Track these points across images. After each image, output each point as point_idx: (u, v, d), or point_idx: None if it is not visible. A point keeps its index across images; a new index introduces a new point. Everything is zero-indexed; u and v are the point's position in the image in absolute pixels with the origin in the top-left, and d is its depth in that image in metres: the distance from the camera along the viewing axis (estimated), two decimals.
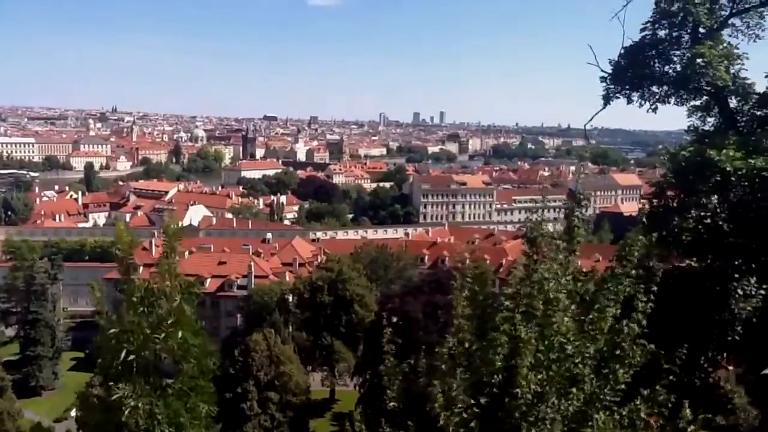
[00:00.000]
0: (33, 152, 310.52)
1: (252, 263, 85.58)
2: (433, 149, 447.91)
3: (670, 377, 9.08)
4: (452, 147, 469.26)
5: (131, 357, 8.87)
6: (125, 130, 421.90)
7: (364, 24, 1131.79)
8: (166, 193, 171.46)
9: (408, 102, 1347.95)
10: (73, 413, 56.89)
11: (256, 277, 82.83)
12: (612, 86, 18.56)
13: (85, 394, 7.86)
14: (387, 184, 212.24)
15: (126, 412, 8.64)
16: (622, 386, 8.95)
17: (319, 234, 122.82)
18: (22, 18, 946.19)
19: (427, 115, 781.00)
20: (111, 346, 9.05)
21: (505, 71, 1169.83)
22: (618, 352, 9.07)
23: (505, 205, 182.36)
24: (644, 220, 13.93)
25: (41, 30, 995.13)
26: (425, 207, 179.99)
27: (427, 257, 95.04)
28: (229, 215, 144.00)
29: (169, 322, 8.99)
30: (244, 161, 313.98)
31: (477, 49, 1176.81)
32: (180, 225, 10.48)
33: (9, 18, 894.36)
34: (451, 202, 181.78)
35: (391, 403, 9.83)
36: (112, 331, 9.07)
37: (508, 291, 9.18)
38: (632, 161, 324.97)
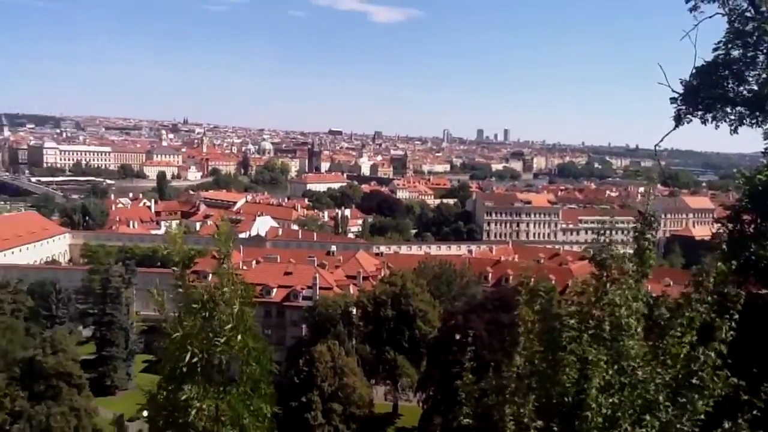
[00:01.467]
0: (109, 161, 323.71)
1: (317, 275, 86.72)
2: (496, 167, 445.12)
3: (754, 411, 8.62)
4: (516, 165, 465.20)
5: (195, 359, 9.13)
6: (196, 141, 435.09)
7: (427, 40, 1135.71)
8: (235, 203, 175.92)
9: (472, 119, 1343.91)
10: (145, 413, 58.67)
11: (320, 288, 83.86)
12: (683, 107, 18.31)
13: (153, 395, 8.23)
14: (450, 201, 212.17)
15: (192, 413, 8.89)
16: (701, 416, 8.61)
17: (382, 248, 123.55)
18: (102, 33, 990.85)
19: (491, 132, 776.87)
20: (175, 349, 9.31)
21: (572, 90, 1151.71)
22: (695, 380, 8.77)
23: (571, 225, 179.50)
24: (724, 246, 13.66)
25: (120, 44, 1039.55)
26: (488, 224, 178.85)
27: (490, 275, 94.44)
28: (295, 227, 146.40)
29: (229, 326, 9.21)
30: (309, 174, 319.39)
31: (543, 67, 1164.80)
32: (231, 229, 10.76)
33: (90, 33, 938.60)
34: (515, 220, 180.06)
35: (466, 420, 9.67)
36: (177, 335, 9.32)
37: (571, 309, 9.16)
38: (704, 184, 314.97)
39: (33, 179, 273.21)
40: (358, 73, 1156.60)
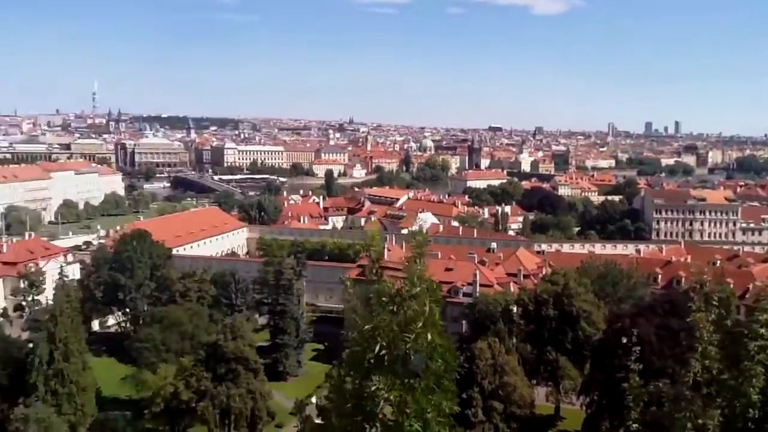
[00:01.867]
0: (282, 159, 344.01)
1: (477, 271, 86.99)
2: (667, 161, 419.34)
3: None
4: (689, 159, 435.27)
5: (383, 352, 9.39)
6: (360, 139, 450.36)
7: (589, 31, 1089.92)
8: (397, 199, 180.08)
9: (639, 111, 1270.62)
10: (314, 400, 61.95)
11: (481, 285, 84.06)
12: None
13: (337, 383, 8.90)
14: (616, 198, 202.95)
15: (379, 403, 9.17)
16: None
17: (543, 246, 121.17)
18: (277, 41, 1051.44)
19: (661, 125, 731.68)
20: (364, 341, 9.59)
21: (750, 76, 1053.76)
22: None
23: (752, 224, 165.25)
24: None
25: (290, 50, 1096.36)
26: (658, 223, 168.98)
27: (660, 277, 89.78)
28: (455, 223, 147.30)
29: (418, 323, 9.37)
30: (469, 171, 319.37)
31: (716, 54, 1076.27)
32: (426, 233, 11.35)
33: (265, 42, 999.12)
34: (688, 218, 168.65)
35: (634, 425, 9.47)
36: (367, 327, 9.57)
37: (763, 318, 8.69)
38: None
39: (215, 177, 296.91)
40: (518, 67, 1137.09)
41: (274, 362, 76.72)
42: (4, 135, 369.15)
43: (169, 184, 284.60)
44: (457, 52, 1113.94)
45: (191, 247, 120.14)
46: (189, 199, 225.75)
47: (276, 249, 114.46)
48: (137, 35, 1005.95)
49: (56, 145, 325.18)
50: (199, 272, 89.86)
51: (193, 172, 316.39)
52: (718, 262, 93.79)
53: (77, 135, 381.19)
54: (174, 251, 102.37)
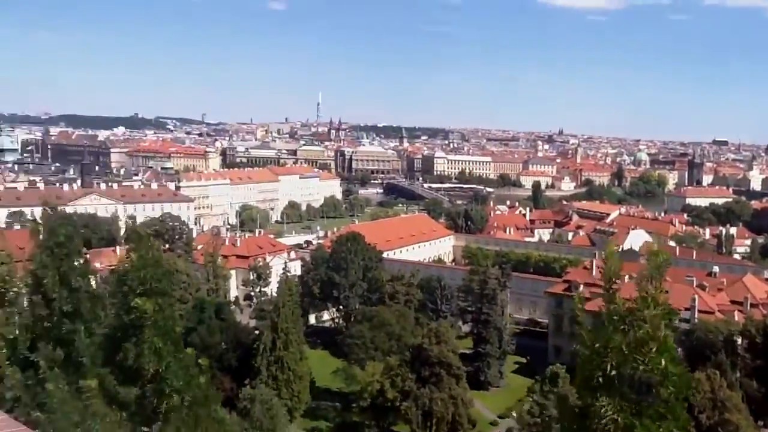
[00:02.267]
0: (489, 170, 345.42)
1: (696, 296, 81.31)
2: None
3: None
4: None
5: (613, 372, 9.25)
6: (570, 151, 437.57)
7: None
8: (608, 215, 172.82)
9: None
10: (514, 413, 61.75)
11: (699, 311, 78.42)
12: None
13: (565, 399, 9.14)
14: None
15: (606, 424, 9.08)
16: None
17: None
18: (481, 53, 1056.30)
19: None
20: (593, 359, 9.51)
21: None
22: None
23: None
24: None
25: (496, 63, 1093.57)
26: None
27: None
28: (672, 243, 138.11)
29: (651, 347, 9.16)
30: (689, 187, 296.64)
31: None
32: (667, 253, 11.04)
33: (473, 55, 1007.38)
34: None
35: None
36: (597, 345, 9.49)
37: None
38: None
39: (425, 185, 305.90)
40: (747, 73, 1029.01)
41: (476, 371, 76.90)
42: (241, 141, 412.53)
43: (381, 190, 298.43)
44: (678, 59, 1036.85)
45: (400, 251, 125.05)
46: (400, 205, 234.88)
47: (481, 258, 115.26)
48: (356, 50, 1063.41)
49: (284, 151, 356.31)
50: (407, 276, 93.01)
51: (404, 180, 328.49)
52: None
53: (302, 142, 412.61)
54: (384, 254, 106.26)
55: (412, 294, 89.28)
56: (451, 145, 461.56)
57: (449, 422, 60.08)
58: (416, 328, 76.50)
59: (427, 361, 62.22)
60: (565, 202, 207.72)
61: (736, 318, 75.26)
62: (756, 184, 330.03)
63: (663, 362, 9.17)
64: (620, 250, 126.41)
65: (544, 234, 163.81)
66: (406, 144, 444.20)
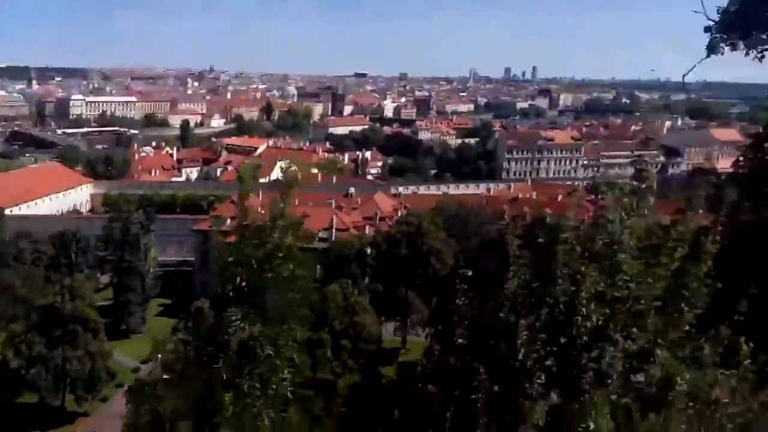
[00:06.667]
0: (134, 111, 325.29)
1: (334, 216, 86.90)
2: (522, 105, 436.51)
3: (735, 317, 9.28)
4: (542, 102, 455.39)
5: (243, 284, 9.88)
6: (221, 89, 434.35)
7: None
8: (256, 149, 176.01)
9: (499, 57, 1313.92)
10: (160, 356, 59.77)
11: (337, 230, 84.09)
12: (717, 36, 17.51)
13: (198, 317, 8.98)
14: (472, 141, 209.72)
15: (234, 332, 9.66)
16: (686, 327, 9.11)
17: (401, 189, 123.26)
18: None
19: (519, 70, 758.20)
20: (225, 274, 10.19)
21: (601, 22, 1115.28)
22: (684, 292, 9.21)
23: (593, 161, 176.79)
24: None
25: None
26: (509, 163, 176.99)
27: (506, 213, 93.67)
28: (315, 170, 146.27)
29: (279, 255, 9.87)
30: (331, 118, 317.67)
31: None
32: (296, 171, 12.77)
33: None
34: (537, 158, 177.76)
35: (460, 340, 10.45)
36: (229, 259, 10.10)
37: (568, 223, 9.50)
38: (733, 116, 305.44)
39: (59, 131, 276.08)
40: (384, 12, 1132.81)
41: (116, 321, 74.28)
42: None
43: (3, 139, 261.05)
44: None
45: (27, 206, 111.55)
46: (27, 155, 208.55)
47: (123, 204, 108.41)
48: None
49: None
50: (36, 233, 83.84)
51: (34, 127, 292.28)
52: (560, 197, 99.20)
53: None
54: (8, 211, 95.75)
55: (41, 251, 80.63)
56: (91, 86, 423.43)
57: (85, 379, 55.90)
58: (46, 287, 70.23)
59: (60, 321, 58.55)
60: (214, 139, 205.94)
61: (368, 232, 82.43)
62: (389, 112, 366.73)
63: (291, 267, 10.04)
64: (268, 180, 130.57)
65: (193, 173, 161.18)
66: (36, 86, 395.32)
